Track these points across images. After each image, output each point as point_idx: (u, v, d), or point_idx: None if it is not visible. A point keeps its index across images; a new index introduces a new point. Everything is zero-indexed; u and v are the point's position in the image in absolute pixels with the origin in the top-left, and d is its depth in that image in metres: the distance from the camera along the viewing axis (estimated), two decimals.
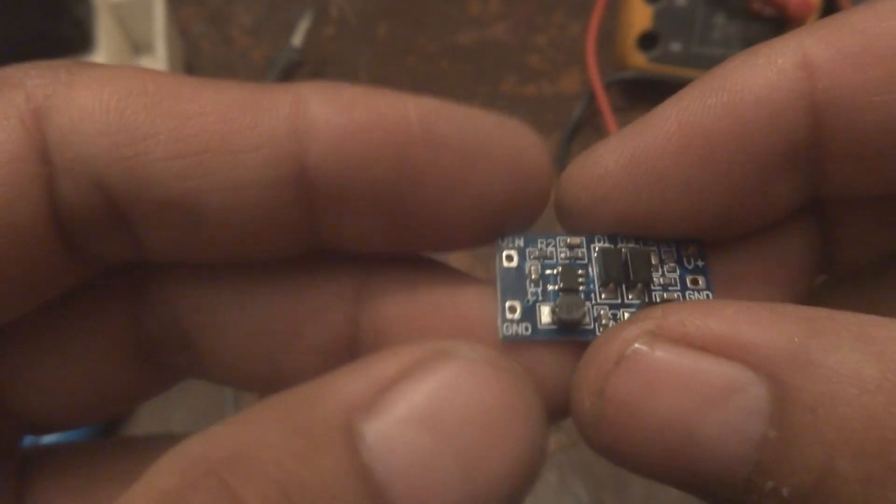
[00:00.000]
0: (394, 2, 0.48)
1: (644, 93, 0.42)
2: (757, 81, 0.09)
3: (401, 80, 0.44)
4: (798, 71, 0.09)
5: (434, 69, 0.44)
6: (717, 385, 0.08)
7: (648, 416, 0.09)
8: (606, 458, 0.09)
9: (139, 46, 0.43)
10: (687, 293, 0.11)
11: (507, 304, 0.12)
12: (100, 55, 0.38)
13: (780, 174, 0.10)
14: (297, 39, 0.41)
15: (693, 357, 0.08)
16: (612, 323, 0.11)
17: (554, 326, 0.11)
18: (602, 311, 0.11)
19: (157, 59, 0.40)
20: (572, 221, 0.12)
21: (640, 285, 0.11)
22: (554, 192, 0.12)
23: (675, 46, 0.39)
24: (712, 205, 0.10)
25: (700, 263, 0.12)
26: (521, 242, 0.12)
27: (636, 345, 0.09)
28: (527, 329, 0.11)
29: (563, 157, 0.39)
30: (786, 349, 0.08)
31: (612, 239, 0.12)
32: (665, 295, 0.11)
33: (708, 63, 0.39)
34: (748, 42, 0.38)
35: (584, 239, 0.12)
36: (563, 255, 0.12)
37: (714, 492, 0.09)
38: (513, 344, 0.11)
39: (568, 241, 0.12)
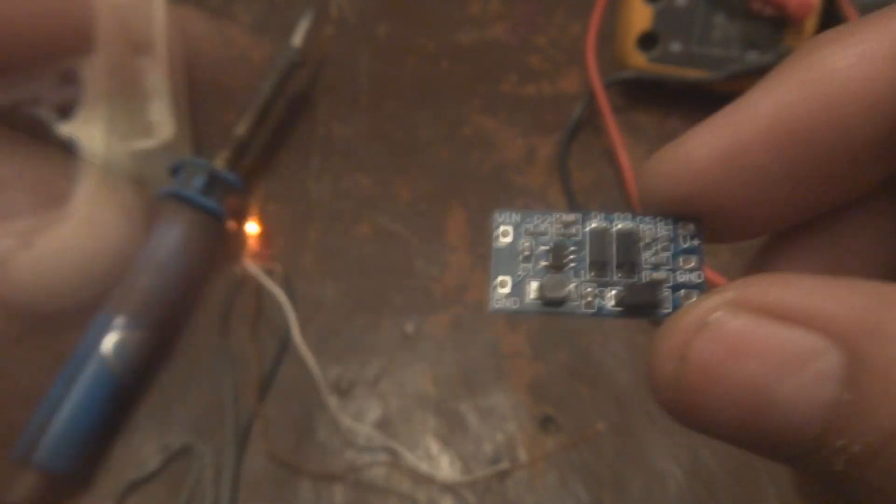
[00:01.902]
0: (394, 2, 0.48)
1: (644, 93, 0.42)
2: (853, 73, 0.09)
3: (401, 80, 0.44)
4: (891, 61, 0.09)
5: (434, 69, 0.44)
6: (794, 352, 0.09)
7: (728, 380, 0.09)
8: (684, 424, 0.10)
9: (139, 46, 0.43)
10: (678, 273, 0.12)
11: (499, 278, 0.12)
12: (100, 55, 0.38)
13: (874, 160, 0.10)
14: (297, 39, 0.41)
15: (772, 325, 0.09)
16: (598, 301, 0.12)
17: (540, 301, 0.12)
18: (589, 289, 0.12)
19: (157, 59, 0.40)
20: (661, 212, 0.12)
21: (626, 265, 0.12)
22: (638, 182, 0.12)
23: (675, 46, 0.39)
24: (807, 194, 0.10)
25: (695, 243, 0.12)
26: (517, 218, 0.12)
27: (718, 313, 0.09)
28: (515, 303, 0.12)
29: (563, 157, 0.39)
30: (859, 319, 0.09)
31: (608, 217, 0.12)
32: (654, 275, 0.12)
33: (708, 63, 0.39)
34: (748, 42, 0.38)
35: (579, 216, 0.12)
36: (557, 232, 0.12)
37: (784, 451, 0.09)
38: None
39: (563, 218, 0.12)
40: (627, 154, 0.38)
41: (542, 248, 0.12)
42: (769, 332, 0.09)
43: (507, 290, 0.12)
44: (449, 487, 0.29)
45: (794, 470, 0.10)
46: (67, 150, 0.35)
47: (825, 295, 0.09)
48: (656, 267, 0.12)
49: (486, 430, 0.31)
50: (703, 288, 0.12)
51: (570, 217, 0.12)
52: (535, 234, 0.12)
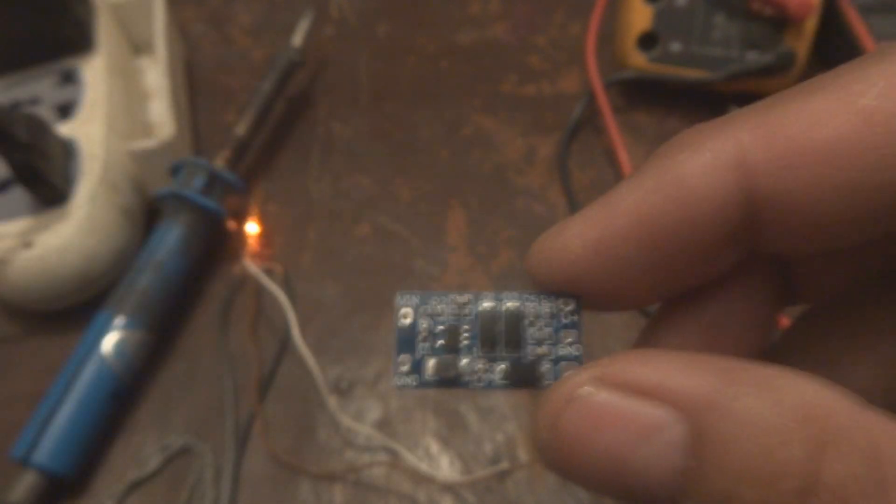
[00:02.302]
0: (394, 2, 0.48)
1: (644, 93, 0.42)
2: (703, 181, 0.11)
3: (401, 80, 0.44)
4: (736, 171, 0.11)
5: (434, 69, 0.44)
6: (646, 423, 0.10)
7: (592, 447, 0.11)
8: (561, 478, 0.11)
9: (139, 46, 0.43)
10: (558, 346, 0.13)
11: (400, 357, 0.13)
12: (100, 55, 0.38)
13: (726, 248, 0.12)
14: (297, 39, 0.41)
15: (628, 400, 0.11)
16: (487, 375, 0.13)
17: (436, 378, 0.13)
18: (479, 365, 0.13)
19: (157, 59, 0.40)
20: (545, 291, 0.13)
21: (513, 342, 0.13)
22: (526, 263, 0.13)
23: (675, 46, 0.39)
24: (668, 278, 0.12)
25: (574, 318, 0.13)
26: (416, 300, 0.14)
27: (584, 388, 0.11)
28: (414, 381, 0.13)
29: (563, 157, 0.39)
30: (702, 394, 0.10)
31: (498, 296, 0.13)
32: (537, 349, 0.13)
33: (708, 63, 0.39)
34: (748, 42, 0.38)
35: (471, 296, 0.13)
36: (452, 313, 0.13)
37: None
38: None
39: (457, 299, 0.13)
40: (627, 154, 0.38)
41: (440, 327, 0.13)
42: (626, 405, 0.11)
43: (406, 368, 0.13)
44: (449, 487, 0.29)
45: None
46: (68, 150, 0.35)
47: (675, 372, 0.10)
48: (539, 342, 0.13)
49: (486, 430, 0.31)
50: (581, 360, 0.13)
51: (464, 298, 0.13)
52: (433, 315, 0.13)
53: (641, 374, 0.11)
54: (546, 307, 0.13)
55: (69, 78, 0.38)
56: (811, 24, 0.37)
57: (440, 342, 0.13)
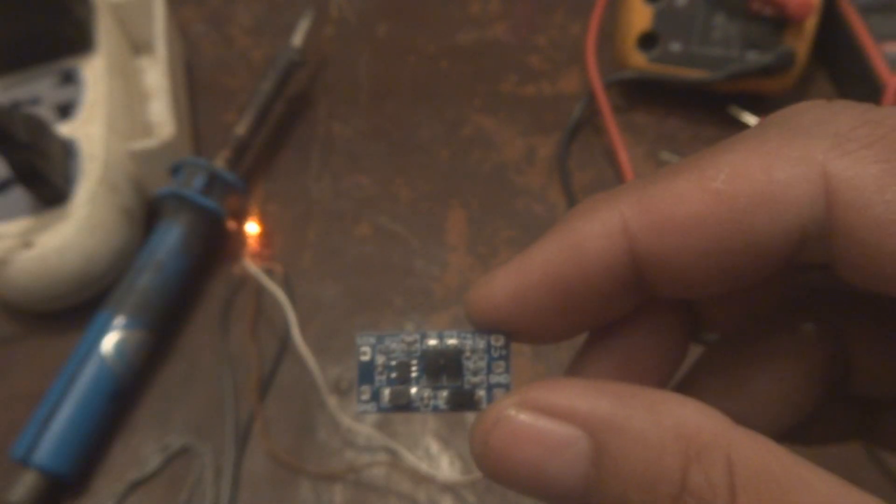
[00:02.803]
0: (394, 2, 0.48)
1: (644, 93, 0.42)
2: (594, 243, 0.14)
3: (401, 80, 0.44)
4: (621, 236, 0.14)
5: (434, 69, 0.44)
6: (557, 439, 0.13)
7: (514, 458, 0.13)
8: (493, 482, 0.14)
9: (139, 46, 0.43)
10: (491, 375, 0.16)
11: (361, 387, 0.16)
12: (100, 55, 0.38)
13: (620, 295, 0.14)
14: (297, 39, 0.41)
15: (544, 420, 0.13)
16: (433, 401, 0.16)
17: (391, 405, 0.16)
18: (426, 393, 0.16)
19: (157, 59, 0.40)
20: (479, 329, 0.16)
21: (453, 373, 0.16)
22: (463, 303, 0.16)
23: (675, 46, 0.39)
24: (576, 319, 0.15)
25: (504, 352, 0.16)
26: (372, 340, 0.16)
27: (508, 411, 0.13)
28: (374, 407, 0.16)
29: (563, 157, 0.39)
30: (602, 415, 0.12)
31: (440, 335, 0.16)
32: (474, 379, 0.16)
33: (708, 63, 0.39)
34: (748, 42, 0.38)
35: (418, 336, 0.16)
36: (403, 350, 0.16)
37: None
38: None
39: (406, 339, 0.16)
40: (627, 154, 0.38)
41: (393, 362, 0.16)
42: (541, 425, 0.13)
43: (367, 397, 0.16)
44: (449, 487, 0.29)
45: None
46: (68, 150, 0.35)
47: (581, 396, 0.13)
48: (475, 373, 0.16)
49: None
50: (509, 387, 0.16)
51: (412, 338, 0.16)
52: (387, 353, 0.16)
53: (554, 399, 0.13)
54: (480, 343, 0.16)
55: (69, 78, 0.38)
56: (811, 24, 0.37)
57: (393, 375, 0.16)
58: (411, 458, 0.29)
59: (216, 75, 0.45)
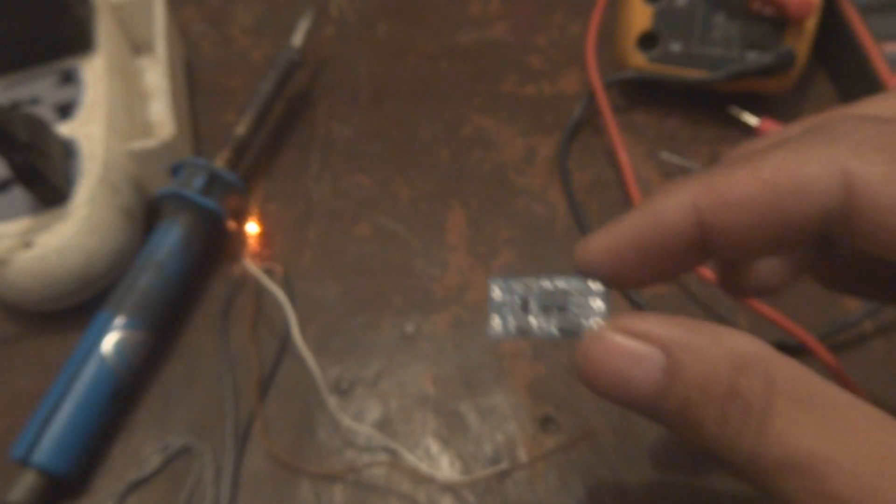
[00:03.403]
0: (394, 2, 0.48)
1: (644, 93, 0.42)
2: (672, 215, 0.18)
3: (401, 80, 0.44)
4: (691, 211, 0.17)
5: (434, 69, 0.45)
6: (640, 353, 0.17)
7: (606, 368, 0.17)
8: (593, 392, 0.18)
9: (139, 46, 0.43)
10: (589, 311, 0.20)
11: (493, 318, 0.20)
12: (100, 55, 0.38)
13: (689, 254, 0.18)
14: (297, 39, 0.41)
15: (628, 339, 0.17)
16: (548, 328, 0.20)
17: (515, 331, 0.20)
18: (542, 322, 0.20)
19: (157, 59, 0.40)
20: (583, 275, 0.20)
21: (562, 307, 0.20)
22: (574, 254, 0.20)
23: (675, 46, 0.39)
24: (655, 271, 0.19)
25: (601, 290, 0.20)
26: (501, 282, 0.20)
27: (604, 331, 0.18)
28: (503, 332, 0.20)
29: (563, 157, 0.39)
30: (675, 338, 0.16)
31: (552, 279, 0.20)
32: (577, 310, 0.20)
33: (708, 63, 0.39)
34: (748, 42, 0.38)
35: (535, 279, 0.20)
36: (524, 290, 0.20)
37: (642, 409, 0.17)
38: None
39: (526, 281, 0.20)
40: (627, 154, 0.38)
41: (517, 299, 0.20)
42: (627, 342, 0.17)
43: (498, 324, 0.20)
44: (449, 487, 0.29)
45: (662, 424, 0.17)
46: (68, 150, 0.35)
47: (659, 324, 0.17)
48: (578, 306, 0.20)
49: (486, 430, 0.31)
50: (606, 316, 0.19)
51: (531, 280, 0.20)
52: (512, 292, 0.20)
53: (639, 325, 0.17)
54: (582, 285, 0.20)
55: (69, 78, 0.38)
56: (811, 24, 0.37)
57: (517, 308, 0.20)
58: (411, 458, 0.29)
59: (216, 75, 0.45)
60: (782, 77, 0.38)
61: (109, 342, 0.31)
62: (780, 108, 0.41)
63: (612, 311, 0.20)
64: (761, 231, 0.17)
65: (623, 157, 0.37)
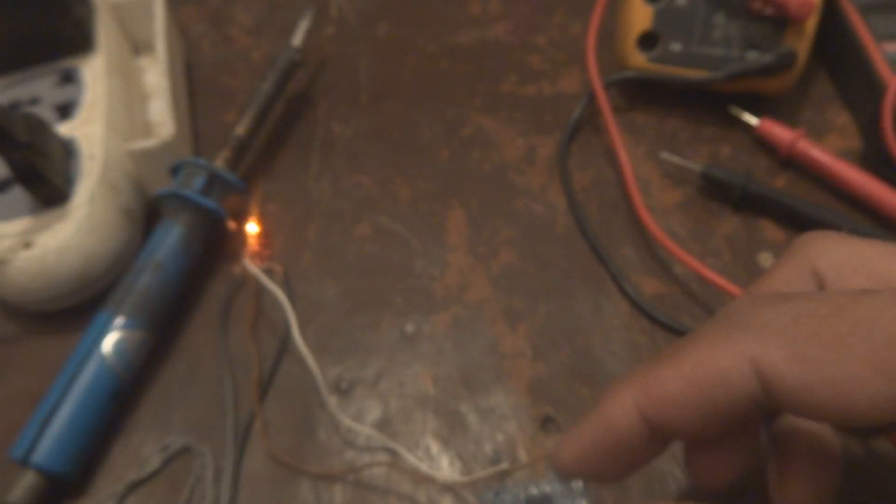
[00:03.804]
0: (394, 2, 0.48)
1: (644, 93, 0.42)
2: (622, 420, 0.19)
3: (401, 80, 0.44)
4: (635, 412, 0.19)
5: (434, 69, 0.45)
6: None
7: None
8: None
9: (139, 46, 0.43)
10: None
11: None
12: (100, 55, 0.38)
13: (647, 447, 0.20)
14: (297, 39, 0.41)
15: None
16: None
17: None
18: None
19: (157, 59, 0.40)
20: (564, 478, 0.21)
21: None
22: (549, 461, 0.21)
23: (675, 46, 0.39)
24: (621, 469, 0.20)
25: (581, 489, 0.21)
26: (491, 495, 0.22)
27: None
28: None
29: (563, 158, 0.39)
30: None
31: (538, 485, 0.22)
32: None
33: (708, 63, 0.39)
34: (748, 42, 0.38)
35: (522, 487, 0.22)
36: (512, 498, 0.22)
37: None
38: None
39: (514, 490, 0.22)
40: (627, 154, 0.38)
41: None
42: None
43: None
44: (449, 487, 0.29)
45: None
46: (68, 150, 0.35)
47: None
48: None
49: (486, 430, 0.31)
50: None
51: (520, 489, 0.21)
52: (502, 502, 0.22)
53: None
54: (564, 486, 0.21)
55: (69, 78, 0.38)
56: (811, 24, 0.37)
57: None
58: (411, 459, 0.29)
59: (216, 75, 0.45)
60: (782, 77, 0.38)
61: (109, 342, 0.31)
62: (780, 108, 0.41)
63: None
64: (701, 419, 0.18)
65: (623, 157, 0.37)
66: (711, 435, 0.18)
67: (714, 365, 0.17)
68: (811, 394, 0.16)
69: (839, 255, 0.19)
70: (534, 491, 0.22)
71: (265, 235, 0.37)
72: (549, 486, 0.21)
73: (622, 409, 0.19)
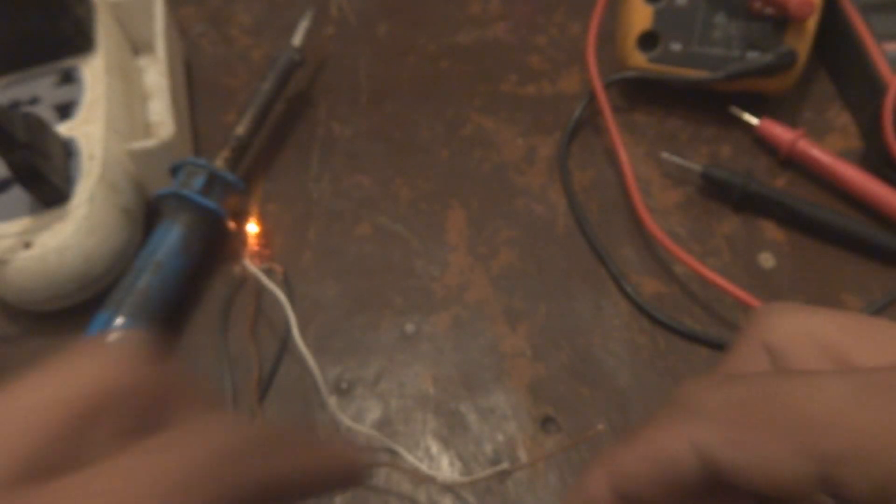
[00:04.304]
0: (394, 2, 0.48)
1: (644, 93, 0.42)
2: (597, 495, 0.21)
3: (401, 80, 0.44)
4: (608, 486, 0.20)
5: (434, 69, 0.44)
6: None
7: None
8: None
9: (139, 46, 0.43)
10: None
11: None
12: (100, 55, 0.38)
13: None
14: (297, 39, 0.41)
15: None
16: None
17: None
18: None
19: (157, 59, 0.40)
20: None
21: None
22: None
23: (675, 46, 0.39)
24: None
25: None
26: None
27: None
28: None
29: (563, 157, 0.39)
30: None
31: None
32: None
33: (708, 63, 0.39)
34: (748, 42, 0.38)
35: None
36: None
37: None
38: None
39: None
40: (627, 154, 0.38)
41: None
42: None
43: None
44: (449, 488, 0.29)
45: None
46: (67, 150, 0.35)
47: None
48: None
49: (486, 431, 0.31)
50: None
51: None
52: None
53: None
54: None
55: (69, 78, 0.38)
56: (812, 24, 0.37)
57: None
58: (411, 459, 0.29)
59: (216, 75, 0.45)
60: (783, 77, 0.38)
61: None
62: (780, 107, 0.41)
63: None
64: (661, 491, 0.20)
65: (623, 157, 0.37)
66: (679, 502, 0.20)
67: (660, 445, 0.20)
68: (744, 472, 0.18)
69: (790, 329, 0.21)
70: None
71: (265, 235, 0.37)
72: None
73: (596, 485, 0.21)
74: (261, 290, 0.34)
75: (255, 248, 0.36)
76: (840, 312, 0.21)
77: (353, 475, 0.21)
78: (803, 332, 0.20)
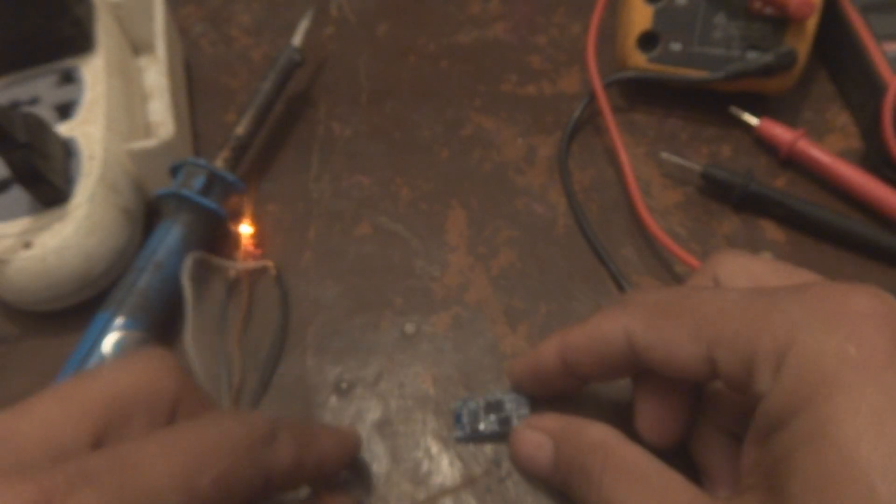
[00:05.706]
0: (394, 2, 0.48)
1: (644, 93, 0.42)
2: (548, 359, 0.28)
3: (401, 80, 0.44)
4: (557, 355, 0.27)
5: (434, 69, 0.44)
6: (539, 442, 0.27)
7: (523, 451, 0.28)
8: (517, 468, 0.29)
9: (139, 46, 0.43)
10: (519, 412, 0.30)
11: (457, 425, 0.30)
12: (99, 55, 0.38)
13: (564, 380, 0.28)
14: (297, 39, 0.41)
15: (535, 433, 0.27)
16: (491, 426, 0.30)
17: (471, 432, 0.30)
18: (487, 423, 0.30)
19: (157, 59, 0.40)
20: (515, 390, 0.31)
21: (499, 412, 0.30)
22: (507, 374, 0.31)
23: (675, 46, 0.39)
24: (552, 390, 0.30)
25: (525, 400, 0.30)
26: (460, 403, 0.31)
27: (520, 427, 0.28)
28: (463, 434, 0.30)
29: (563, 157, 0.39)
30: (556, 431, 0.27)
31: (496, 395, 0.30)
32: (511, 413, 0.30)
33: (708, 63, 0.39)
34: (748, 42, 0.38)
35: (482, 398, 0.31)
36: (475, 405, 0.30)
37: (544, 478, 0.28)
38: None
39: (476, 399, 0.31)
40: (627, 154, 0.38)
41: (473, 411, 0.30)
42: (533, 435, 0.27)
43: (459, 429, 0.30)
44: (449, 488, 0.29)
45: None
46: (67, 150, 0.35)
47: (552, 421, 0.27)
48: (513, 410, 0.30)
49: None
50: (527, 416, 0.29)
51: (480, 399, 0.30)
52: (469, 408, 0.30)
53: (540, 422, 0.27)
54: (513, 396, 0.30)
55: (69, 78, 0.38)
56: (812, 24, 0.37)
57: (472, 417, 0.30)
58: (411, 459, 0.29)
59: (216, 75, 0.45)
60: (783, 77, 0.38)
61: (109, 342, 0.31)
62: (780, 108, 0.41)
63: (532, 413, 0.29)
64: (596, 363, 0.26)
65: (623, 157, 0.37)
66: (606, 376, 0.27)
67: (603, 328, 0.25)
68: (654, 352, 0.23)
69: (733, 266, 0.25)
70: (491, 398, 0.30)
71: (265, 235, 0.37)
72: (503, 396, 0.30)
73: (548, 349, 0.27)
74: (260, 290, 0.34)
75: (254, 248, 0.36)
76: (774, 261, 0.26)
77: (354, 452, 0.27)
78: (741, 269, 0.25)
